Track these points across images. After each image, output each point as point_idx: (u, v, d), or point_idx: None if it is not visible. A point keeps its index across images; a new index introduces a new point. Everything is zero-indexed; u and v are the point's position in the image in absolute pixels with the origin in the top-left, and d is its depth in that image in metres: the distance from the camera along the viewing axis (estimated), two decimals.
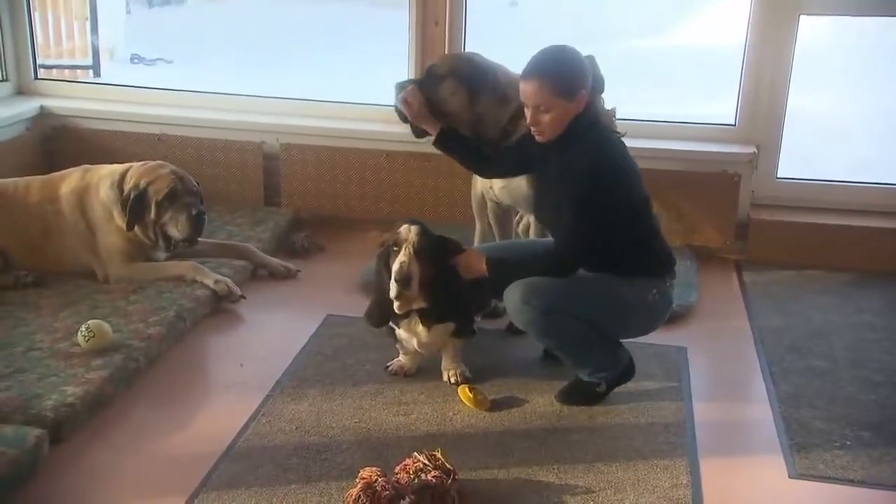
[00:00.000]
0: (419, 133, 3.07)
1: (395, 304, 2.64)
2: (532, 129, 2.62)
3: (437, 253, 2.65)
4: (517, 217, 3.52)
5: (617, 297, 2.65)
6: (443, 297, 2.66)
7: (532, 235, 3.30)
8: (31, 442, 2.29)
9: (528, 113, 2.61)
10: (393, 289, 2.59)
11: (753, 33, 3.90)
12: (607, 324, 2.68)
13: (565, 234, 2.63)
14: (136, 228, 3.36)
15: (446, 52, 4.00)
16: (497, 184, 3.11)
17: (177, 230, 3.35)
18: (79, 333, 2.82)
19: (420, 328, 2.72)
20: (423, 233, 2.63)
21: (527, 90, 2.58)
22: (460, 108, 3.00)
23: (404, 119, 3.05)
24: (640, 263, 2.68)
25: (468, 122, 3.01)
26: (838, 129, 6.32)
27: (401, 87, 3.05)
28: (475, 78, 2.99)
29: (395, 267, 2.58)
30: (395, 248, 2.62)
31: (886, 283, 3.74)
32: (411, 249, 2.59)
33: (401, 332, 2.78)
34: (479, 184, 3.30)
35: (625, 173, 2.62)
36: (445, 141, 2.97)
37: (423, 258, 2.60)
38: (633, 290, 2.66)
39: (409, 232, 2.61)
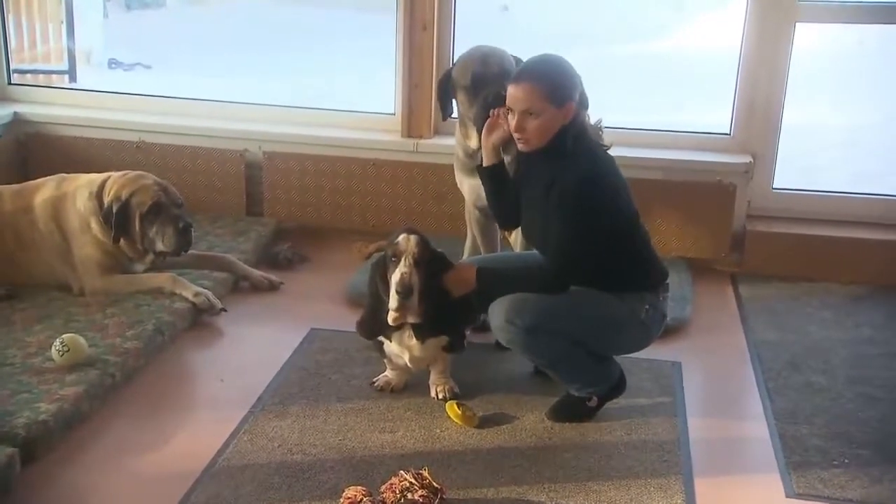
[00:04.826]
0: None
1: (392, 317, 2.64)
2: (516, 136, 2.64)
3: (434, 264, 2.67)
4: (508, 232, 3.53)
5: (607, 314, 2.67)
6: (438, 310, 2.67)
7: (518, 248, 3.32)
8: (1, 461, 2.28)
9: (512, 120, 2.63)
10: (394, 300, 2.59)
11: (749, 41, 3.94)
12: (598, 341, 2.70)
13: (556, 251, 2.64)
14: (122, 241, 3.36)
15: (434, 57, 4.02)
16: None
17: (163, 244, 3.35)
18: (52, 348, 2.82)
19: (413, 341, 2.72)
20: (423, 243, 2.63)
21: (516, 93, 2.60)
22: None
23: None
24: (631, 278, 2.70)
25: None
26: (836, 139, 6.38)
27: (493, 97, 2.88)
28: None
29: (395, 278, 2.59)
30: (393, 259, 2.62)
31: (886, 296, 3.77)
32: (412, 260, 2.59)
33: (391, 346, 2.78)
34: (466, 191, 3.31)
35: (614, 188, 2.65)
36: (494, 173, 2.85)
37: (422, 269, 2.61)
38: (625, 305, 2.67)
39: (408, 242, 2.61)
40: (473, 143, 3.08)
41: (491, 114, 2.80)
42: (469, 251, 3.49)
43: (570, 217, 2.57)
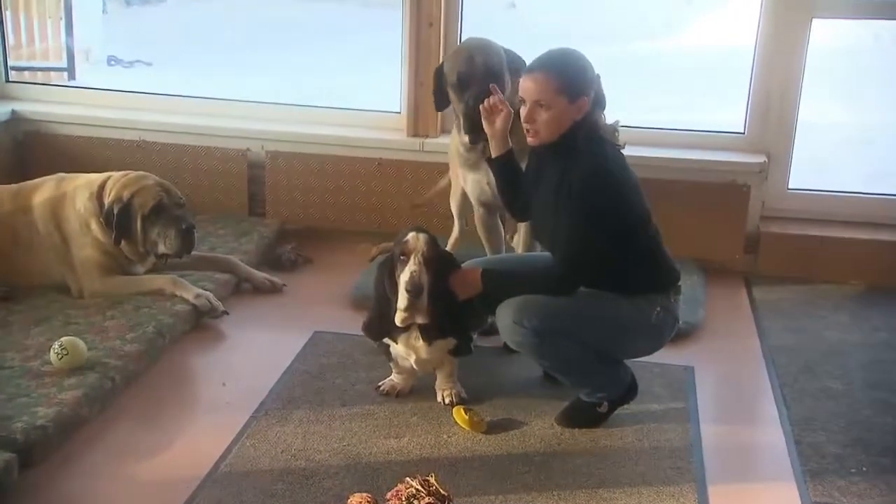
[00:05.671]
0: (476, 139, 3.01)
1: (401, 317, 2.64)
2: (525, 126, 2.64)
3: (442, 263, 2.66)
4: (510, 235, 3.54)
5: (618, 316, 2.66)
6: (446, 311, 2.67)
7: (521, 249, 3.32)
8: None
9: (523, 111, 2.63)
10: (403, 299, 2.59)
11: (763, 37, 3.93)
12: (608, 344, 2.69)
13: (565, 250, 2.64)
14: (123, 243, 3.36)
15: (441, 54, 4.01)
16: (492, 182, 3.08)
17: (165, 246, 3.35)
18: (51, 351, 2.82)
19: (420, 343, 2.72)
20: (432, 242, 2.63)
21: (529, 84, 2.60)
22: (511, 99, 2.98)
23: (472, 126, 2.93)
24: (642, 280, 2.69)
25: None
26: (852, 138, 6.36)
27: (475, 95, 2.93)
28: (514, 63, 3.05)
29: (405, 276, 2.58)
30: (402, 258, 2.62)
31: None
32: (421, 258, 2.59)
33: (398, 348, 2.78)
34: (469, 187, 3.31)
35: (625, 186, 2.64)
36: (505, 162, 2.84)
37: (432, 268, 2.60)
38: (636, 308, 2.66)
39: (417, 240, 2.61)
40: (466, 140, 3.14)
41: (485, 104, 2.80)
42: (454, 240, 3.57)
43: (579, 214, 2.56)
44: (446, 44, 4.03)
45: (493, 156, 2.86)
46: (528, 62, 2.71)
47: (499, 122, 2.79)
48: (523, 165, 2.87)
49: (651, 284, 2.71)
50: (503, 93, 2.93)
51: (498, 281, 2.72)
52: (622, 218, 2.62)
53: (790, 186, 4.09)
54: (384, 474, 2.46)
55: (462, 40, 4.07)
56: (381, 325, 2.76)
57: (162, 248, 3.36)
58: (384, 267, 2.72)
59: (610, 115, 2.72)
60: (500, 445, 2.64)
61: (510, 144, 2.84)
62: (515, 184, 2.86)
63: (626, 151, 2.73)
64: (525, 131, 2.66)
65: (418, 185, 4.10)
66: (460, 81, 3.07)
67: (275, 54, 7.98)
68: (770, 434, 2.81)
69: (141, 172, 3.46)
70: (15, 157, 4.31)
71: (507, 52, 3.14)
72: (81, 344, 2.86)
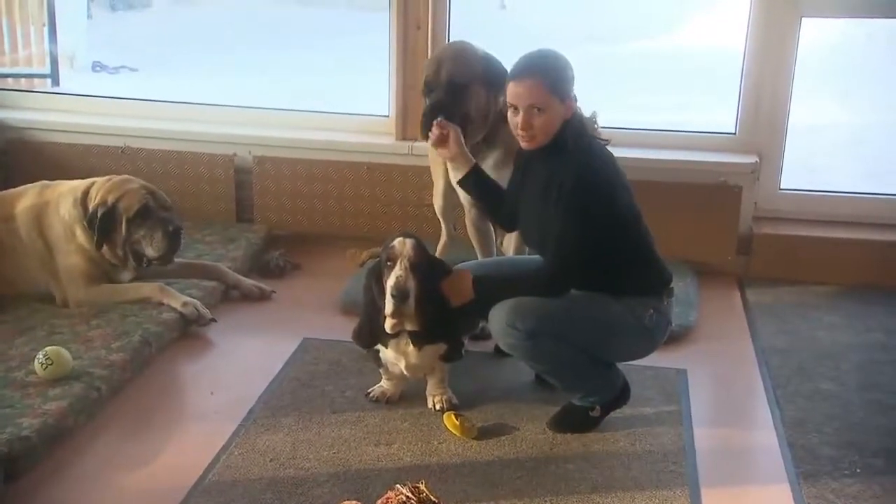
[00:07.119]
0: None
1: (389, 323, 2.65)
2: (522, 133, 2.65)
3: (431, 269, 2.68)
4: (500, 240, 3.55)
5: (610, 318, 2.67)
6: (435, 316, 2.68)
7: (511, 252, 3.34)
8: None
9: (517, 118, 2.64)
10: (389, 305, 2.60)
11: (753, 37, 3.95)
12: (600, 346, 2.70)
13: (555, 250, 2.66)
14: (105, 247, 3.36)
15: (429, 57, 4.02)
16: None
17: (152, 248, 3.35)
18: (35, 361, 2.82)
19: (410, 349, 2.72)
20: (419, 247, 2.65)
21: (520, 90, 2.62)
22: (485, 111, 3.06)
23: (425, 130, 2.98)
24: (634, 282, 2.70)
25: (489, 123, 3.09)
26: (845, 137, 6.39)
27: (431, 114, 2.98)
28: (493, 74, 3.07)
29: (390, 282, 2.59)
30: (388, 263, 2.63)
31: None
32: (407, 264, 2.60)
33: (388, 354, 2.79)
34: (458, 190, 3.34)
35: (614, 186, 2.66)
36: (474, 179, 2.91)
37: (418, 273, 2.61)
38: (628, 310, 2.68)
39: (403, 246, 2.62)
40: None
41: (430, 138, 2.89)
42: (443, 245, 3.60)
43: (568, 212, 2.58)
44: (434, 47, 4.04)
45: (459, 178, 2.92)
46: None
47: (451, 144, 2.87)
48: (510, 170, 2.91)
49: (643, 286, 2.72)
50: (469, 103, 3.01)
51: (489, 286, 2.73)
52: (612, 215, 2.63)
53: (782, 187, 4.11)
54: (374, 482, 2.47)
55: (448, 43, 4.09)
56: (370, 332, 2.77)
57: (149, 252, 3.36)
58: (372, 273, 2.73)
59: (588, 109, 2.74)
60: (491, 451, 2.65)
61: (473, 160, 2.91)
62: (493, 194, 2.93)
63: (617, 153, 2.75)
64: (520, 138, 2.68)
65: (407, 189, 4.11)
66: (426, 87, 3.13)
67: (262, 58, 7.99)
68: (763, 436, 2.82)
69: (125, 176, 3.47)
70: None
71: (490, 60, 3.13)
72: (66, 354, 2.86)
